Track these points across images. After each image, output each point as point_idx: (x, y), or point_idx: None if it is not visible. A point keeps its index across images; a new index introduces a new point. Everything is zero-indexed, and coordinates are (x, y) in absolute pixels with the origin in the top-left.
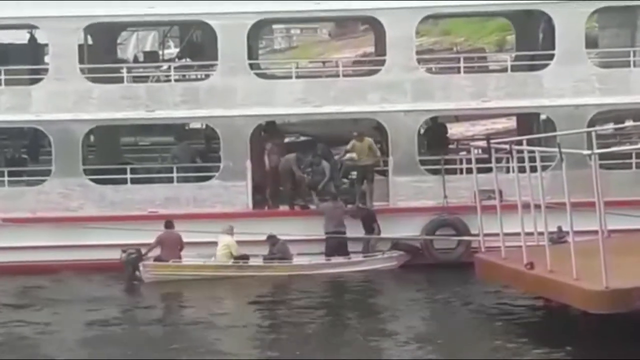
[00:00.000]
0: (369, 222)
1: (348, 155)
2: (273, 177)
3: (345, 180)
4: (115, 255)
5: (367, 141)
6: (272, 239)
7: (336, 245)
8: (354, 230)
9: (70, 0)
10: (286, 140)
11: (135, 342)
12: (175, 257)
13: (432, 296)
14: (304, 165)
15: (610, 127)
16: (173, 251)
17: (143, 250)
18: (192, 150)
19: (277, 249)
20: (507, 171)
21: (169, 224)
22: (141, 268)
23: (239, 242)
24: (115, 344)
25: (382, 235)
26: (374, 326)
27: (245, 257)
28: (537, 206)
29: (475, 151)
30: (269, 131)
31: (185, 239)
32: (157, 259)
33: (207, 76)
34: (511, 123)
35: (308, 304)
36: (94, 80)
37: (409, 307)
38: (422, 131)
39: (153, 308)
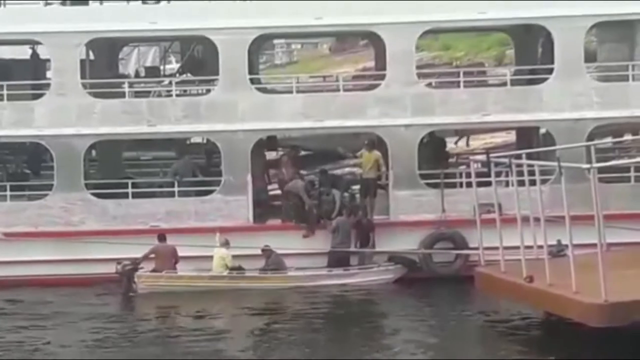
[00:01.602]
0: (366, 232)
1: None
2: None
3: (345, 194)
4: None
5: (374, 154)
6: (267, 252)
7: (340, 259)
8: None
9: (72, 15)
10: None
11: (131, 354)
12: (170, 269)
13: (431, 309)
14: (312, 195)
15: (609, 140)
16: (167, 263)
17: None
18: (193, 165)
19: (272, 261)
20: (507, 185)
21: (161, 238)
22: (135, 280)
23: (240, 256)
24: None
25: (381, 248)
26: (370, 337)
27: (241, 270)
28: (537, 220)
29: (475, 165)
30: (287, 145)
31: (186, 253)
32: (152, 270)
33: (208, 91)
34: (510, 137)
35: (303, 315)
36: (96, 95)
37: (407, 320)
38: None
39: (148, 320)
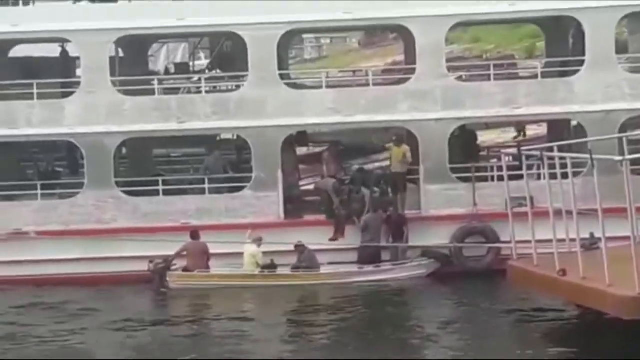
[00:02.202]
0: (400, 227)
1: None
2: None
3: (376, 189)
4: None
5: (403, 148)
6: (299, 248)
7: (371, 255)
8: (382, 237)
9: (101, 13)
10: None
11: (164, 352)
12: (202, 267)
13: (463, 304)
14: (342, 193)
15: None
16: (199, 261)
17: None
18: (224, 161)
19: (305, 258)
20: (538, 178)
21: (194, 234)
22: (167, 278)
23: (271, 253)
24: (145, 353)
25: (413, 243)
26: (403, 333)
27: (273, 267)
28: (569, 213)
29: (506, 158)
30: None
31: (218, 250)
32: (184, 269)
33: (238, 87)
34: (542, 130)
35: (336, 311)
36: (126, 92)
37: (439, 315)
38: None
39: (181, 318)
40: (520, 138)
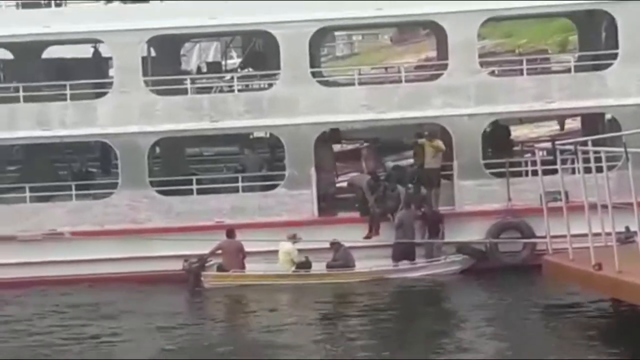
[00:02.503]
0: (436, 223)
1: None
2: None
3: (410, 185)
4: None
5: (436, 143)
6: (335, 245)
7: (404, 251)
8: (417, 233)
9: (132, 13)
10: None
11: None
12: (237, 265)
13: (499, 300)
14: (377, 190)
15: None
16: (234, 259)
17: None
18: (259, 159)
19: (340, 256)
20: (573, 172)
21: (230, 233)
22: (202, 278)
23: (306, 250)
24: (183, 354)
25: (448, 239)
26: (439, 330)
27: (308, 264)
28: (604, 206)
29: (540, 153)
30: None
31: (252, 248)
32: (219, 267)
33: (270, 85)
34: (576, 124)
35: (371, 309)
36: (158, 92)
37: (476, 311)
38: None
39: (216, 318)
40: (561, 132)
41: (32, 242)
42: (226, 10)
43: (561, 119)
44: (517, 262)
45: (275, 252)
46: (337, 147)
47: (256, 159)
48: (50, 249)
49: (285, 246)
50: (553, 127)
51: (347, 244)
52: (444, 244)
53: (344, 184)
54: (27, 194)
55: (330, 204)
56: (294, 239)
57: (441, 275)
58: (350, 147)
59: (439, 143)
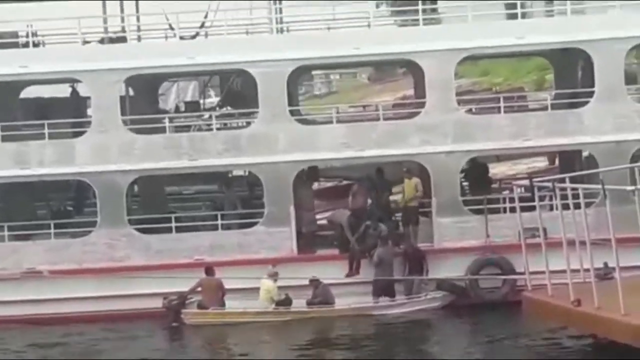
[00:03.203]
0: (418, 260)
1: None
2: (357, 217)
3: (368, 222)
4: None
5: (414, 180)
6: (314, 283)
7: (384, 288)
8: (397, 270)
9: (110, 53)
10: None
11: None
12: (217, 303)
13: (480, 336)
14: (358, 230)
15: None
16: (214, 297)
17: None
18: (234, 197)
19: (319, 293)
20: (551, 209)
21: (209, 271)
22: (182, 315)
23: (286, 287)
24: None
25: (428, 275)
26: None
27: (288, 302)
28: (582, 243)
29: (518, 190)
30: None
31: (232, 285)
32: (199, 304)
33: (249, 124)
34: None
35: (352, 346)
36: (137, 131)
37: (456, 347)
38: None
39: (196, 356)
40: (552, 166)
41: (11, 280)
42: (204, 49)
43: (551, 154)
44: (498, 299)
45: (255, 289)
46: (316, 185)
47: (231, 197)
48: (29, 287)
49: (266, 284)
50: (530, 164)
51: (326, 281)
52: (425, 280)
53: (324, 221)
54: (6, 233)
55: (309, 241)
56: (275, 276)
57: (422, 311)
58: (329, 184)
59: (417, 181)
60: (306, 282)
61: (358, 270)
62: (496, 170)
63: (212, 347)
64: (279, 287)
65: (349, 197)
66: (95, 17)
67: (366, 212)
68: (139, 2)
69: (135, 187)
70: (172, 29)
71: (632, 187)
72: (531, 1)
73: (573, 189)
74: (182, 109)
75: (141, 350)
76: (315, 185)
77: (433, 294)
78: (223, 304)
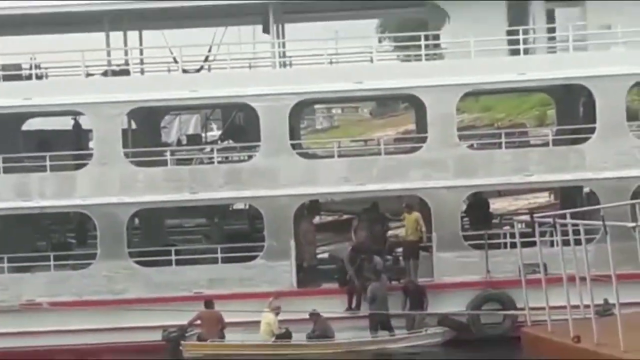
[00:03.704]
0: (418, 296)
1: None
2: (358, 251)
3: (389, 257)
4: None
5: (414, 215)
6: (313, 316)
7: (381, 322)
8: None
9: (113, 86)
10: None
11: None
12: (216, 335)
13: None
14: (355, 264)
15: None
16: (214, 329)
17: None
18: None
19: (318, 327)
20: (552, 245)
21: (208, 304)
22: (181, 347)
23: (285, 321)
24: None
25: (428, 311)
26: None
27: (288, 335)
28: (583, 279)
29: (519, 225)
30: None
31: (231, 319)
32: (198, 337)
33: (250, 157)
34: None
35: None
36: (138, 163)
37: None
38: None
39: None
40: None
41: (10, 312)
42: (206, 83)
43: (556, 189)
44: (500, 334)
45: (254, 322)
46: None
47: (220, 231)
48: (28, 319)
49: (268, 317)
50: (531, 199)
51: (326, 315)
52: (426, 315)
53: (325, 255)
54: (5, 264)
55: (309, 275)
56: (276, 310)
57: (422, 346)
58: (330, 218)
59: (417, 216)
60: (305, 316)
61: (359, 305)
62: (497, 205)
63: None
64: (279, 321)
65: (350, 231)
66: (98, 50)
67: (369, 246)
68: (142, 34)
69: (136, 220)
70: (175, 62)
71: (633, 224)
72: (533, 37)
73: (574, 224)
74: (184, 142)
75: None
76: (317, 219)
77: (434, 329)
78: (223, 337)
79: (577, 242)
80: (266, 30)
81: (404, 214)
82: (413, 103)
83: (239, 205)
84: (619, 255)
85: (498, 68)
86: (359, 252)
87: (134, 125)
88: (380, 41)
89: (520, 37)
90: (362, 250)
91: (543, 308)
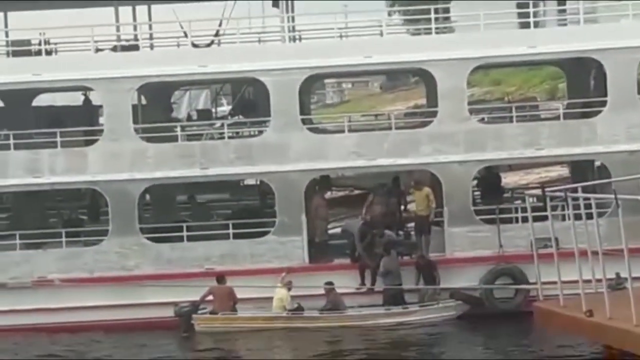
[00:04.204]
0: (430, 271)
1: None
2: (371, 227)
3: (400, 232)
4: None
5: (425, 190)
6: (327, 289)
7: (395, 297)
8: (409, 280)
9: (123, 61)
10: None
11: None
12: (228, 310)
13: (492, 346)
14: (366, 238)
15: None
16: (225, 304)
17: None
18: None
19: (330, 300)
20: (563, 219)
21: (220, 279)
22: (193, 321)
23: (298, 297)
24: None
25: (441, 285)
26: None
27: (300, 310)
28: (595, 253)
29: (530, 199)
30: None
31: (243, 295)
32: (210, 312)
33: (260, 132)
34: (565, 171)
35: (362, 354)
36: (149, 139)
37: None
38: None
39: None
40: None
41: (22, 289)
42: (216, 58)
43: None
44: (512, 308)
45: (265, 299)
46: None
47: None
48: (40, 296)
49: (280, 292)
50: (542, 173)
51: (338, 290)
52: (438, 290)
53: (337, 230)
54: (17, 241)
55: (321, 250)
56: (289, 285)
57: (436, 320)
58: (342, 193)
59: (428, 191)
60: (317, 291)
61: (374, 282)
62: (508, 179)
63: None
64: (291, 297)
65: (362, 206)
66: (107, 25)
67: (381, 221)
68: (152, 9)
69: (147, 196)
70: (185, 36)
71: None
72: (544, 10)
73: (585, 198)
74: (194, 117)
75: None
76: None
77: (447, 302)
78: (235, 312)
79: (589, 216)
80: (275, 4)
81: (413, 190)
82: (423, 77)
83: (250, 181)
84: (631, 229)
85: (508, 41)
86: (371, 226)
87: (144, 101)
88: (389, 15)
89: (531, 9)
90: (374, 225)
91: (555, 282)
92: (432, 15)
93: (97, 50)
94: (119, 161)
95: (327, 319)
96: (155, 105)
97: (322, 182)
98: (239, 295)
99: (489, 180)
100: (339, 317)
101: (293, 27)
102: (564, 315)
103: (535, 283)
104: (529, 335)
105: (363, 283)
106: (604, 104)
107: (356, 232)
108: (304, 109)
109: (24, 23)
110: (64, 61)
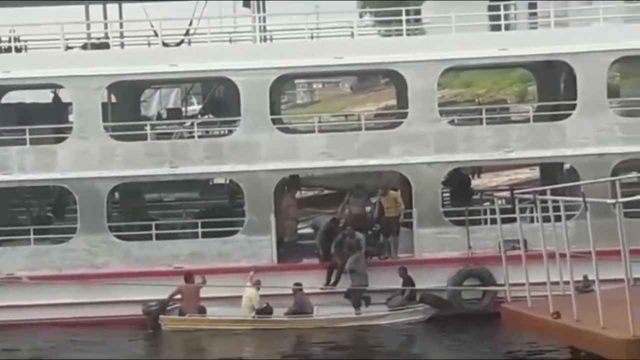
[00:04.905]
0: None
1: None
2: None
3: (369, 232)
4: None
5: (392, 194)
6: (294, 290)
7: (356, 295)
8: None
9: (93, 59)
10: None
11: None
12: (196, 310)
13: (460, 347)
14: (336, 237)
15: (634, 175)
16: (193, 302)
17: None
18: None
19: (296, 301)
20: (532, 221)
21: (188, 277)
22: (160, 321)
23: (266, 296)
24: None
25: (409, 287)
26: None
27: (269, 311)
28: (562, 255)
29: (499, 201)
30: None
31: (211, 294)
32: (180, 311)
33: (230, 132)
34: (534, 173)
35: (331, 356)
36: (118, 137)
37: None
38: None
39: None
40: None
41: None
42: (187, 57)
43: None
44: (480, 310)
45: (234, 297)
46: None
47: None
48: (8, 293)
49: (249, 291)
50: (512, 175)
51: (306, 290)
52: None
53: (306, 230)
54: None
55: (290, 250)
56: (258, 284)
57: (404, 324)
58: (310, 193)
59: (395, 194)
60: (286, 291)
61: (337, 281)
62: (477, 181)
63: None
64: (260, 296)
65: (333, 206)
66: (78, 23)
67: (364, 221)
68: (123, 7)
69: (116, 194)
70: (156, 35)
71: (613, 200)
72: (515, 13)
73: (554, 201)
74: (164, 116)
75: (117, 356)
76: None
77: (416, 307)
78: (203, 311)
79: (558, 219)
80: (247, 4)
81: (380, 197)
82: (394, 78)
83: (220, 180)
84: (598, 232)
85: (479, 43)
86: (343, 226)
87: (114, 99)
88: (361, 16)
89: (502, 12)
90: (346, 225)
91: (523, 284)
92: (404, 17)
93: (68, 48)
94: (88, 159)
95: (295, 322)
96: (125, 104)
97: (292, 182)
98: (208, 294)
99: (458, 182)
100: (306, 320)
101: (264, 27)
102: (531, 317)
103: (503, 285)
104: (495, 336)
105: (329, 283)
106: (573, 107)
107: (321, 229)
108: (275, 109)
109: None
110: (33, 58)
